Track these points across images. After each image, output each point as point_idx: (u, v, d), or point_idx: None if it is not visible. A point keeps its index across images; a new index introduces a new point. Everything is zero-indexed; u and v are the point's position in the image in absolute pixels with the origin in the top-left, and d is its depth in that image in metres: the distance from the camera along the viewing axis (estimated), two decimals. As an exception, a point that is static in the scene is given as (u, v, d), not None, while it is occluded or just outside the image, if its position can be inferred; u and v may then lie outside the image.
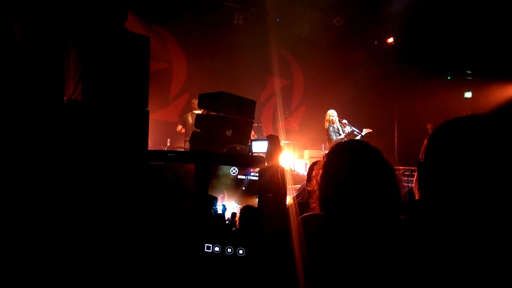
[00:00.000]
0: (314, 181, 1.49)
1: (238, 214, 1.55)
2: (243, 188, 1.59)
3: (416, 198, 0.98)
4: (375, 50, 9.09)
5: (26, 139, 2.36)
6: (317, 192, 1.25)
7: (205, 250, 1.49)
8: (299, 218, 1.25)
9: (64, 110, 3.27)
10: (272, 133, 6.96)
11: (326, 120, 7.05)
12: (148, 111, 3.58)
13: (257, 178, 1.57)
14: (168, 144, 7.60)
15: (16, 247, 1.54)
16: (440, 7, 7.05)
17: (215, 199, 1.56)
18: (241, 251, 1.48)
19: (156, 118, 7.92)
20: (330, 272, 1.08)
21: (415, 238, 1.13)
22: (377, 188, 1.13)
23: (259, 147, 2.88)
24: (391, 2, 7.67)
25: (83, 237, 1.55)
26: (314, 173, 1.62)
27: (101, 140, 3.13)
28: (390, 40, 8.81)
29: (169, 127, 7.97)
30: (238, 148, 2.69)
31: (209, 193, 1.56)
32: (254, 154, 2.95)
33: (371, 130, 6.72)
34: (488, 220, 0.71)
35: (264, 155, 2.02)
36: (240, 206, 1.58)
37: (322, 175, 1.25)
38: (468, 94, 8.40)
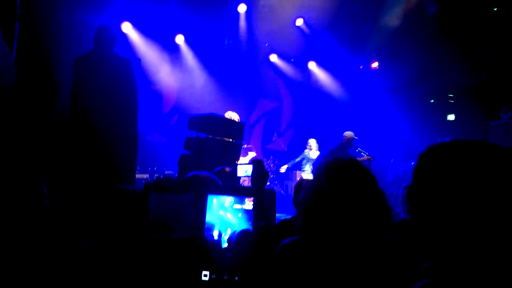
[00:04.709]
0: (302, 193, 1.48)
1: (233, 240, 1.56)
2: (239, 215, 1.60)
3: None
4: (360, 75, 9.34)
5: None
6: (304, 210, 1.21)
7: (202, 278, 1.49)
8: (278, 248, 1.23)
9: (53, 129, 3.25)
10: (261, 153, 6.98)
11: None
12: (137, 134, 3.58)
13: (251, 208, 1.59)
14: (155, 168, 7.50)
15: None
16: (423, 32, 7.35)
17: (212, 226, 1.57)
18: (237, 278, 1.47)
19: (144, 139, 7.87)
20: None
21: (404, 258, 1.14)
22: (367, 209, 1.13)
23: (243, 171, 2.92)
24: (375, 27, 7.96)
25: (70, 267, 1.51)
26: (304, 183, 1.62)
27: (90, 162, 3.10)
28: (375, 65, 9.08)
29: (156, 149, 7.91)
30: (227, 170, 2.69)
31: (206, 220, 1.56)
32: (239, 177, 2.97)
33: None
34: (476, 241, 0.74)
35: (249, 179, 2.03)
36: (236, 232, 1.59)
37: (310, 193, 1.20)
38: (451, 117, 8.64)
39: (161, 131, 8.50)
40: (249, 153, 6.89)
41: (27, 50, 3.48)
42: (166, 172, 7.22)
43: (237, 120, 4.85)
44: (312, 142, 7.57)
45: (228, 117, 4.84)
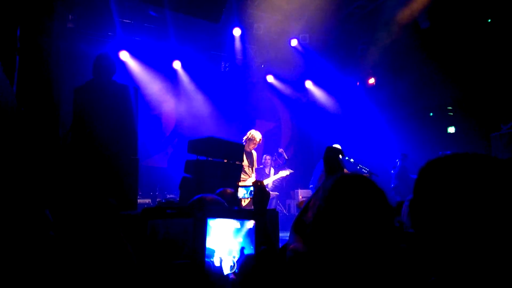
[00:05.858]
0: (310, 212, 1.42)
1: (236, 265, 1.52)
2: (240, 238, 1.57)
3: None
4: (357, 91, 9.43)
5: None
6: (316, 226, 1.15)
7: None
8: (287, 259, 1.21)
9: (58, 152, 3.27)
10: (262, 174, 6.95)
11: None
12: (138, 159, 3.58)
13: (252, 226, 1.56)
14: (157, 193, 7.46)
15: None
16: (418, 46, 7.46)
17: (212, 251, 1.52)
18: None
19: (145, 165, 7.88)
20: None
21: (413, 270, 1.11)
22: (380, 223, 1.10)
23: (244, 193, 2.91)
24: (370, 44, 8.09)
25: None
26: (311, 202, 1.57)
27: (91, 188, 3.09)
28: (372, 81, 9.18)
29: (158, 173, 7.90)
30: (228, 191, 2.67)
31: (206, 245, 1.52)
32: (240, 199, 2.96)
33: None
34: (478, 252, 0.73)
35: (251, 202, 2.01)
36: (237, 257, 1.55)
37: (325, 212, 1.14)
38: (451, 129, 8.64)
39: (161, 155, 8.52)
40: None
41: (27, 82, 3.53)
42: (168, 197, 7.18)
43: (258, 139, 5.29)
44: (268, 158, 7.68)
45: (250, 136, 5.27)
